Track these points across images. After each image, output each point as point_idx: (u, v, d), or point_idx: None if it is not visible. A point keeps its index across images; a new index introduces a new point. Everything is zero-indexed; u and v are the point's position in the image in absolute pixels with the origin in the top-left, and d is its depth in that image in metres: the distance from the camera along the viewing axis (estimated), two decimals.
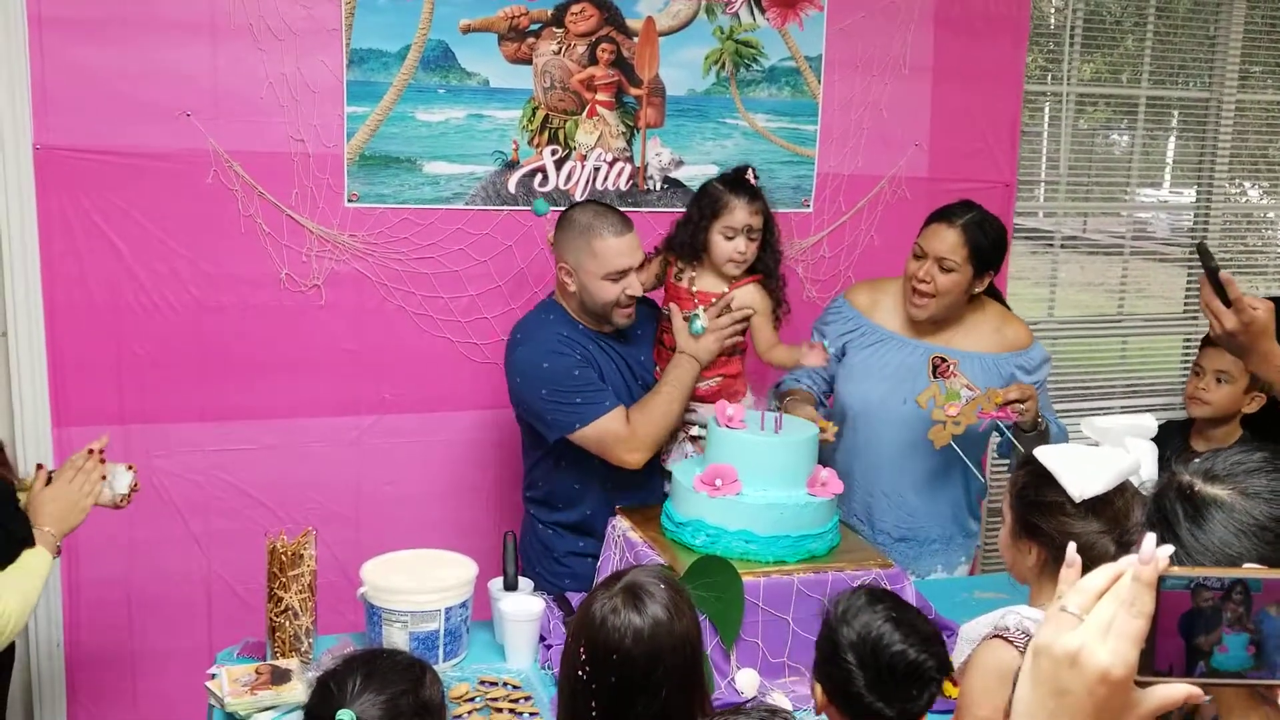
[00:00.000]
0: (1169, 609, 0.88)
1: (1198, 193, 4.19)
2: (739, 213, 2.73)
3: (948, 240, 2.74)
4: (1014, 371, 2.84)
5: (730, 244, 2.74)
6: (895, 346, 2.88)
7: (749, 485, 2.37)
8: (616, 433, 2.65)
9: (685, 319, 2.77)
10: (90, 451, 2.32)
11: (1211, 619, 0.88)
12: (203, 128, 2.94)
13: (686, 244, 2.79)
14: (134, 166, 2.91)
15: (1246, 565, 1.00)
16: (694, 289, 2.79)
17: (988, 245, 2.77)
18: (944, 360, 2.77)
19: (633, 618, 1.65)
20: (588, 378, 2.69)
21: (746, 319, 2.78)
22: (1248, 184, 4.38)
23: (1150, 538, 0.88)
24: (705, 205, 2.77)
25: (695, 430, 2.78)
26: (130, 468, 2.42)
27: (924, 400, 2.69)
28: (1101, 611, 0.88)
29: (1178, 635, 0.88)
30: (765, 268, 2.81)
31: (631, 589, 1.68)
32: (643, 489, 2.78)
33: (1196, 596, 0.88)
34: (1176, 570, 0.88)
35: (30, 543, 2.15)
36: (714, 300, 2.77)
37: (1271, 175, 4.33)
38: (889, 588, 2.33)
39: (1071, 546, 0.96)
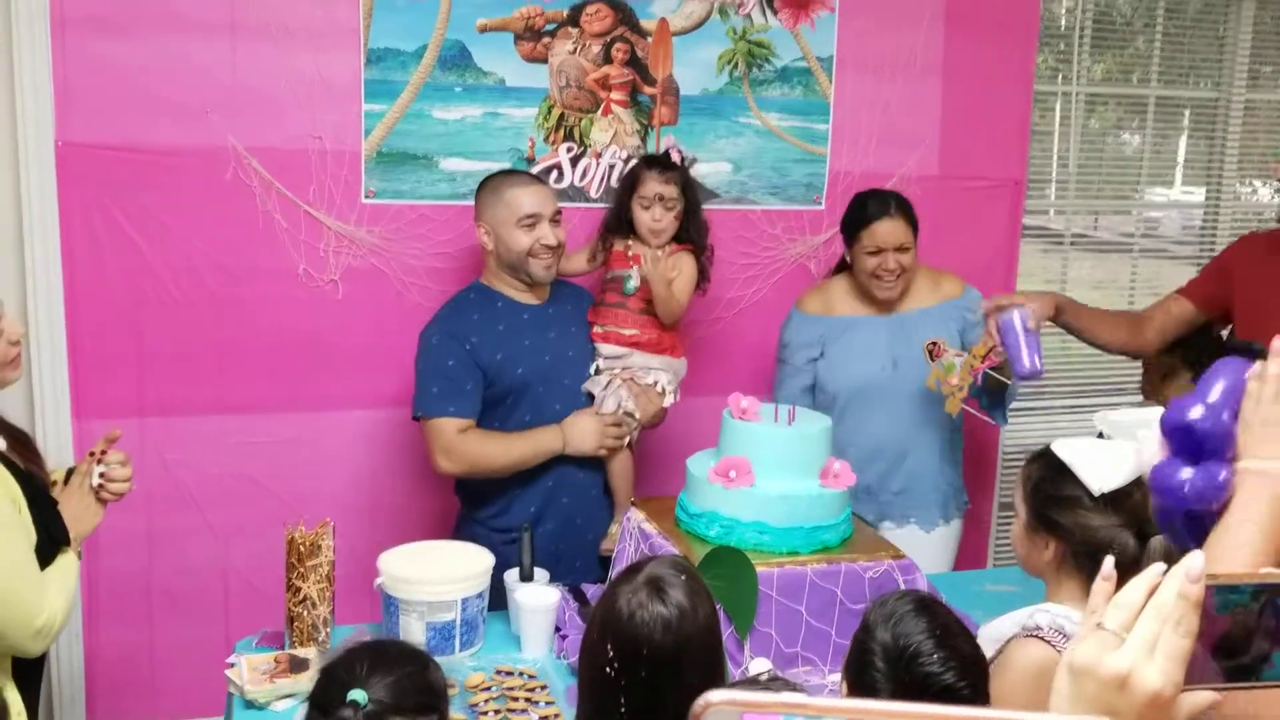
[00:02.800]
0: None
1: (1207, 192, 4.20)
2: (650, 183, 2.92)
3: (898, 229, 2.99)
4: (963, 315, 3.09)
5: (647, 213, 2.93)
6: (863, 328, 3.08)
7: (762, 477, 2.40)
8: (444, 437, 2.77)
9: (620, 277, 2.95)
10: (90, 454, 2.26)
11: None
12: (222, 125, 2.98)
13: (615, 219, 3.01)
14: (154, 163, 2.96)
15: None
16: (630, 253, 2.98)
17: (914, 214, 3.04)
18: (935, 344, 2.97)
19: (659, 609, 1.64)
20: (457, 375, 2.78)
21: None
22: (1259, 183, 4.39)
23: (1198, 555, 0.87)
24: (625, 181, 3.04)
25: (637, 372, 2.94)
26: (109, 462, 2.25)
27: (931, 383, 2.94)
28: (1144, 629, 0.86)
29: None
30: (690, 238, 2.98)
31: (653, 581, 1.68)
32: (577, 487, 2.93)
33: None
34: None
35: (67, 541, 2.16)
36: (645, 257, 2.92)
37: None
38: (901, 579, 2.37)
39: (1109, 561, 0.94)
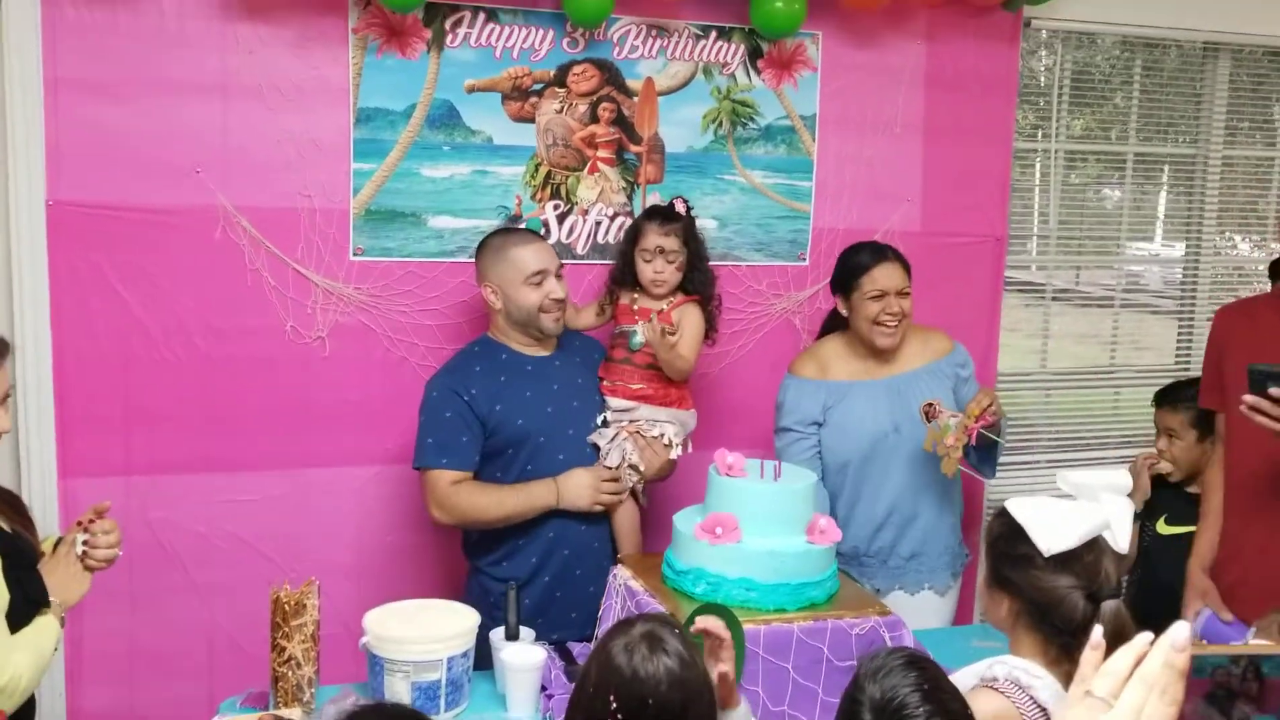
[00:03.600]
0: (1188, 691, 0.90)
1: (1187, 246, 4.25)
2: (650, 235, 2.95)
3: (897, 273, 3.03)
4: (955, 371, 3.12)
5: (649, 266, 2.96)
6: (862, 392, 3.08)
7: (749, 533, 2.40)
8: (438, 490, 2.82)
9: (626, 333, 2.97)
10: (78, 523, 2.25)
11: (1227, 696, 0.91)
12: (212, 184, 3.01)
13: (619, 272, 3.03)
14: (144, 222, 2.98)
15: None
16: (635, 307, 2.99)
17: (908, 262, 3.08)
18: (931, 405, 2.96)
19: (665, 661, 1.67)
20: (453, 428, 2.81)
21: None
22: (1238, 237, 4.45)
23: (1182, 625, 0.90)
24: (628, 233, 3.06)
25: (643, 425, 2.95)
26: (95, 530, 2.24)
27: (928, 445, 2.94)
28: (1132, 697, 0.89)
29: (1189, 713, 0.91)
30: (695, 288, 3.00)
31: (650, 635, 1.70)
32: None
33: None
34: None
35: (46, 604, 2.15)
36: (653, 315, 2.94)
37: (1261, 228, 4.40)
38: (888, 636, 2.37)
39: (1098, 630, 0.97)
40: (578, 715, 1.71)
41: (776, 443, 3.13)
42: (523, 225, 3.21)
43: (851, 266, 3.06)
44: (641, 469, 2.92)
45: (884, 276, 3.00)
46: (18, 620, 2.06)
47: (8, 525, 2.15)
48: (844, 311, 3.10)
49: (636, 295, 3.00)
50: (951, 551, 3.17)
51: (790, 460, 2.99)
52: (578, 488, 2.86)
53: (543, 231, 3.26)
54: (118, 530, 2.25)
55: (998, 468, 3.09)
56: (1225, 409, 2.90)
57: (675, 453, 2.98)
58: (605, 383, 2.99)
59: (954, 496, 3.18)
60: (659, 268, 2.95)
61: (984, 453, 3.04)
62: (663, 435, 2.95)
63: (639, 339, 2.94)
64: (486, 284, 2.89)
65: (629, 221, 3.29)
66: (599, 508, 2.89)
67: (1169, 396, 3.34)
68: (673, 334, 2.88)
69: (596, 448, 2.93)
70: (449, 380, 2.86)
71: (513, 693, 2.43)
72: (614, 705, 1.64)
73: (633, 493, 2.96)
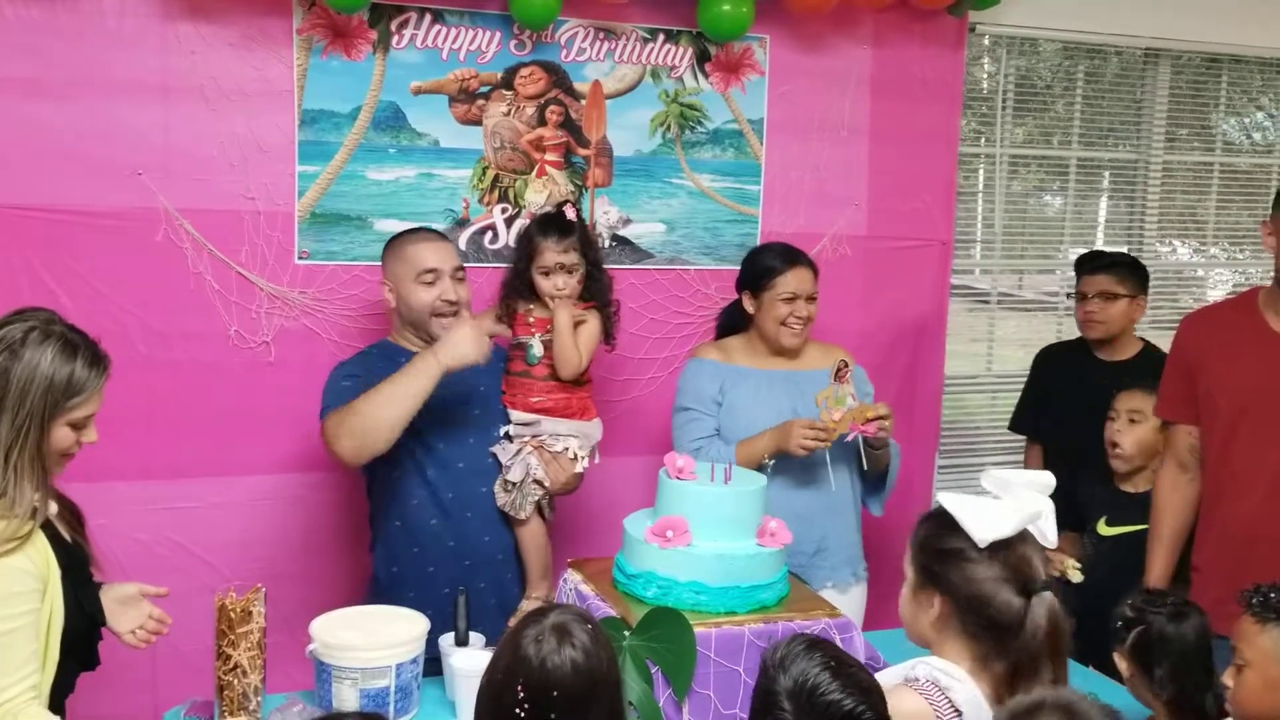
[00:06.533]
0: None
1: (1129, 251, 4.31)
2: (548, 253, 2.85)
3: (808, 278, 3.03)
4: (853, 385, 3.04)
5: (548, 281, 2.86)
6: (761, 378, 3.04)
7: (699, 536, 2.40)
8: (330, 424, 2.66)
9: (523, 345, 2.89)
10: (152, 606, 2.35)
11: None
12: (154, 186, 2.97)
13: (516, 286, 2.92)
14: (84, 225, 2.93)
15: None
16: (530, 319, 2.90)
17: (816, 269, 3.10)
18: (845, 365, 2.92)
19: (570, 653, 1.69)
20: (350, 390, 2.69)
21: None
22: (1178, 242, 4.53)
23: None
24: (522, 248, 2.94)
25: (546, 440, 2.87)
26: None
27: (819, 400, 2.88)
28: None
29: None
30: (592, 295, 2.92)
31: (559, 627, 1.72)
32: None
33: None
34: None
35: (100, 622, 2.16)
36: (549, 327, 2.86)
37: (1200, 234, 4.49)
38: (838, 638, 2.37)
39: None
40: (489, 701, 1.73)
41: (674, 423, 3.07)
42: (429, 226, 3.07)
43: (765, 268, 3.04)
44: (546, 484, 2.87)
45: (796, 280, 3.00)
46: (72, 641, 2.07)
47: (68, 534, 2.13)
48: (750, 309, 3.07)
49: (532, 306, 2.91)
50: (849, 551, 3.12)
51: (685, 439, 3.00)
52: (461, 341, 2.67)
53: (489, 236, 3.25)
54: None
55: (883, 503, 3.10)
56: (1203, 425, 2.82)
57: (580, 466, 2.91)
58: (505, 395, 2.91)
59: (854, 498, 3.13)
60: (560, 283, 2.86)
61: (870, 485, 3.07)
62: (566, 449, 2.89)
63: (536, 351, 2.87)
64: (385, 282, 2.84)
65: None
66: (483, 361, 2.72)
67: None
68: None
69: (498, 460, 2.87)
70: (347, 366, 2.79)
71: (462, 699, 2.41)
72: (521, 695, 1.67)
73: (539, 509, 2.90)
